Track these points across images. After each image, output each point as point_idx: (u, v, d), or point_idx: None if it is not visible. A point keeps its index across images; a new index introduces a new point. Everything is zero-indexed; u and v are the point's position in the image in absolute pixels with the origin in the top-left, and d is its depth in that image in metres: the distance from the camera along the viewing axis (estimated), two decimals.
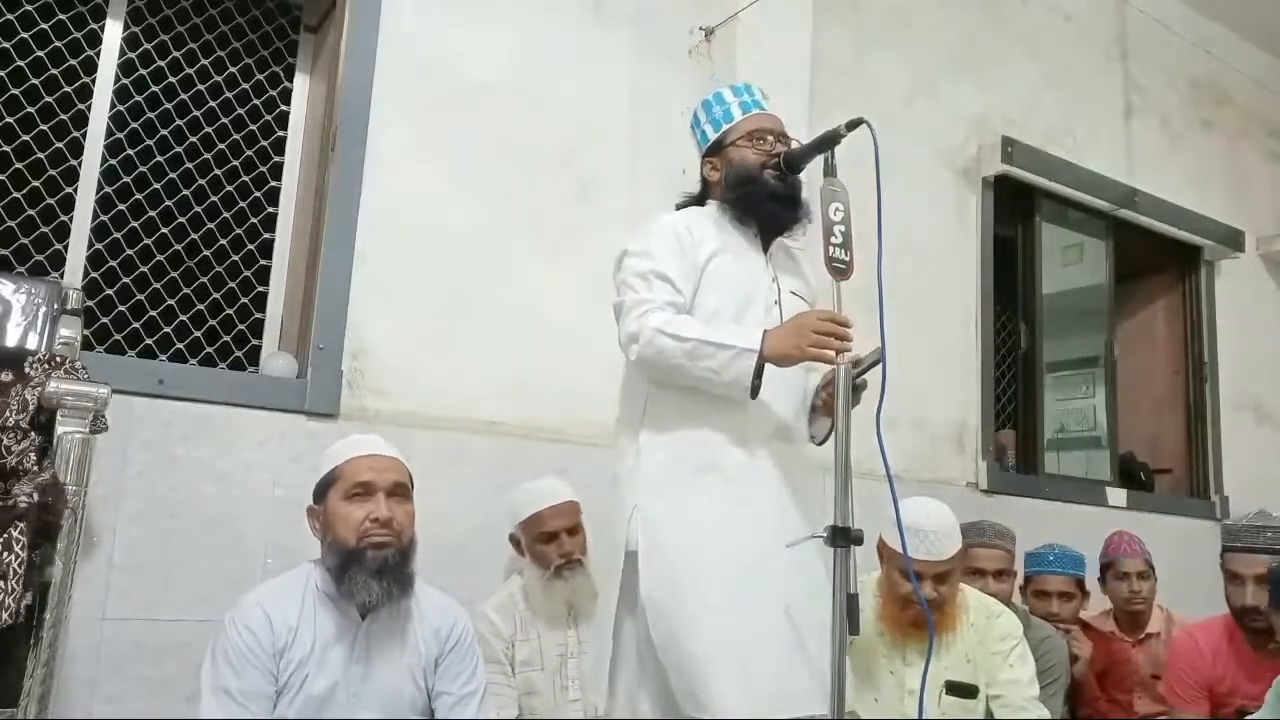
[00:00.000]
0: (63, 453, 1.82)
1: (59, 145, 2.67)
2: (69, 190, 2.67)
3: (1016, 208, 4.27)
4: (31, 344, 2.11)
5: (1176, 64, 4.93)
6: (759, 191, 2.10)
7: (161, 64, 2.82)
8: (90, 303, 2.49)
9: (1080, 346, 4.46)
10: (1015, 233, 4.32)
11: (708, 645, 1.87)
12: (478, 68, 2.94)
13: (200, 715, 1.83)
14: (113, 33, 2.77)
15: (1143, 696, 3.05)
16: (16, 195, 2.62)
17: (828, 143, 1.97)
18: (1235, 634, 2.62)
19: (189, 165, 2.83)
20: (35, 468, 1.82)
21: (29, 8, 2.67)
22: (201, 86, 2.87)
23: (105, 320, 2.68)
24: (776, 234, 2.16)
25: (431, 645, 2.00)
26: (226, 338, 2.83)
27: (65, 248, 2.66)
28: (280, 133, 2.95)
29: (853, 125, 1.92)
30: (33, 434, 1.85)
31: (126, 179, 2.75)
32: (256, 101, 2.93)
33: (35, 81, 2.66)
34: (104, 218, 2.71)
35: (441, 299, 2.80)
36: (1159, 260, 4.88)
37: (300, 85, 3.01)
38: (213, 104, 2.88)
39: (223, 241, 2.85)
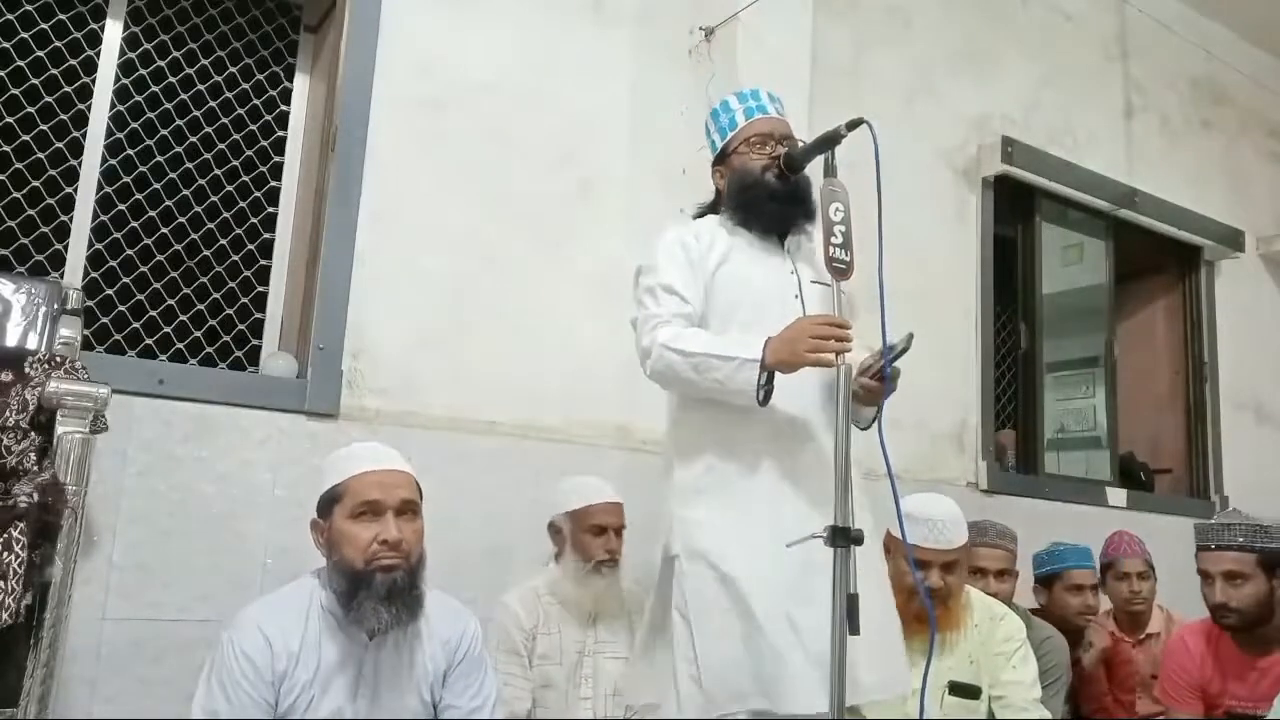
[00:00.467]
0: (63, 453, 1.82)
1: (59, 145, 2.67)
2: (69, 190, 2.67)
3: (1016, 208, 4.26)
4: (31, 344, 2.11)
5: (1176, 64, 4.93)
6: (760, 194, 2.11)
7: (161, 64, 2.82)
8: (90, 303, 2.49)
9: (1080, 346, 4.46)
10: (1015, 233, 4.32)
11: (739, 647, 1.92)
12: (478, 68, 2.94)
13: None
14: (113, 33, 2.77)
15: (1143, 697, 3.06)
16: (16, 195, 2.62)
17: (828, 143, 1.97)
18: (1219, 635, 2.63)
19: (189, 165, 2.83)
20: (35, 468, 1.82)
21: (29, 8, 2.67)
22: (201, 86, 2.87)
23: (105, 320, 2.68)
24: (787, 230, 2.17)
25: (440, 659, 1.95)
26: (226, 338, 2.83)
27: (65, 248, 2.66)
28: (280, 133, 2.95)
29: (853, 125, 1.93)
30: (33, 434, 1.85)
31: (126, 179, 2.75)
32: (256, 101, 2.93)
33: (35, 81, 2.66)
34: (104, 218, 2.71)
35: (441, 299, 2.80)
36: (1159, 260, 4.88)
37: (300, 85, 3.01)
38: (213, 104, 2.88)
39: (223, 241, 2.85)
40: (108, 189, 2.72)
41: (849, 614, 1.72)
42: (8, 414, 1.83)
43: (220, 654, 1.80)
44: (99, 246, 2.70)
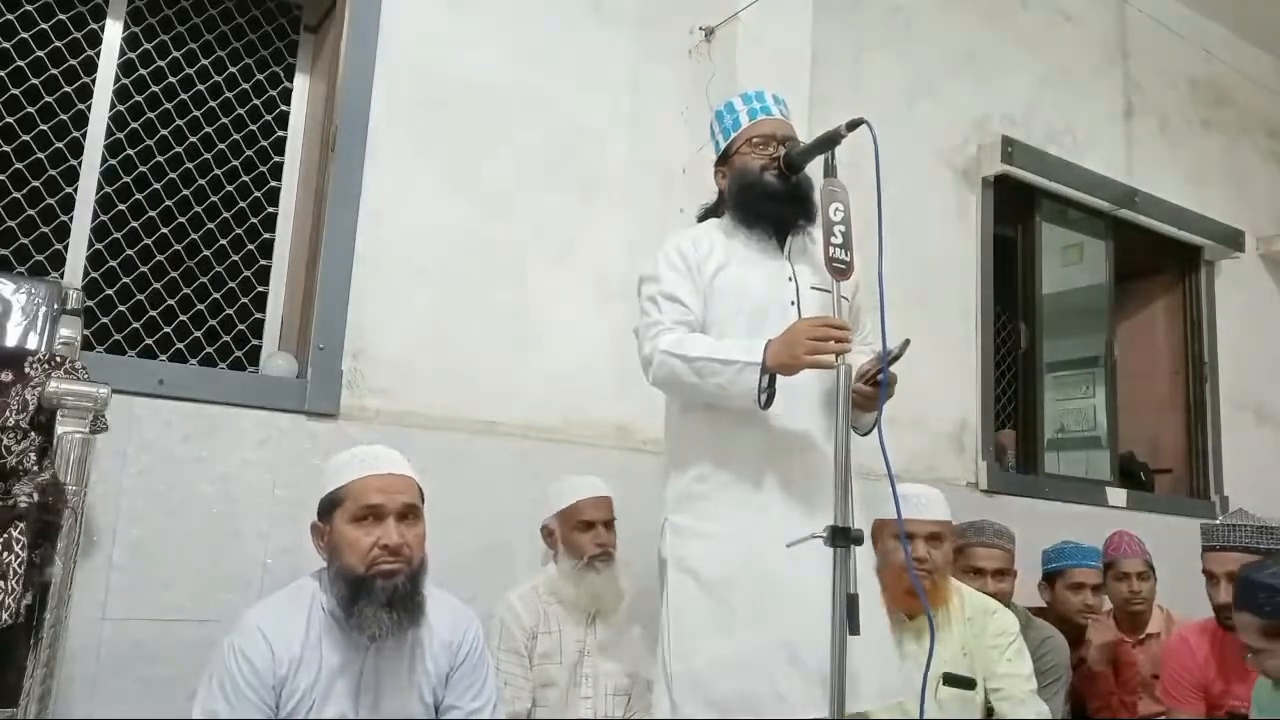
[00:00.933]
0: (63, 453, 1.82)
1: (59, 145, 2.67)
2: (69, 190, 2.67)
3: (1016, 208, 4.26)
4: (31, 344, 2.11)
5: (1176, 64, 4.93)
6: (759, 194, 2.11)
7: (161, 64, 2.81)
8: (90, 303, 2.49)
9: (1080, 346, 4.46)
10: (1015, 233, 4.32)
11: (723, 652, 1.95)
12: (478, 68, 2.94)
13: None
14: (113, 33, 2.77)
15: (1143, 697, 3.05)
16: (16, 195, 2.62)
17: (828, 143, 1.97)
18: (1222, 635, 2.62)
19: (189, 165, 2.83)
20: (35, 468, 1.82)
21: (29, 8, 2.67)
22: (201, 86, 2.87)
23: (105, 320, 2.68)
24: (788, 232, 2.17)
25: (441, 660, 1.94)
26: (226, 338, 2.83)
27: (65, 248, 2.66)
28: (280, 133, 2.95)
29: (853, 125, 1.93)
30: (33, 434, 1.85)
31: (126, 179, 2.75)
32: (256, 101, 2.93)
33: (35, 81, 2.66)
34: (104, 218, 2.71)
35: (441, 299, 2.80)
36: (1159, 260, 4.88)
37: (300, 85, 3.00)
38: (213, 104, 2.88)
39: (223, 241, 2.85)
40: (108, 189, 2.72)
41: (849, 614, 1.72)
42: (8, 414, 1.83)
43: (221, 657, 1.80)
44: (99, 246, 2.70)
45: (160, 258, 2.77)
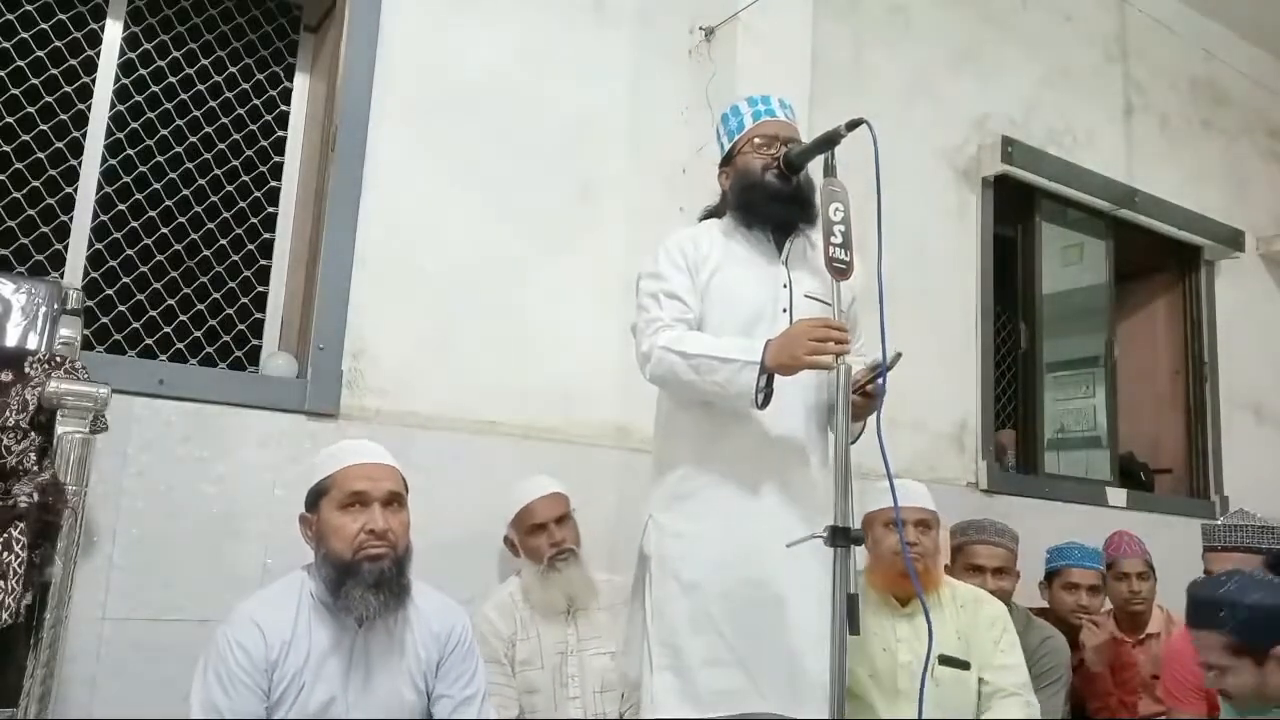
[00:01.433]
0: (63, 453, 1.82)
1: (59, 145, 2.67)
2: (69, 190, 2.67)
3: (1016, 207, 4.26)
4: (31, 344, 2.11)
5: (1176, 64, 4.93)
6: (760, 195, 2.12)
7: (161, 64, 2.81)
8: (90, 303, 2.49)
9: (1080, 346, 4.46)
10: (1015, 233, 4.32)
11: (703, 652, 1.98)
12: (478, 68, 2.94)
13: None
14: (113, 33, 2.77)
15: (1144, 697, 3.05)
16: (16, 195, 2.62)
17: (828, 143, 1.98)
18: None
19: (189, 165, 2.83)
20: (35, 468, 1.82)
21: (29, 8, 2.67)
22: (201, 86, 2.87)
23: (105, 320, 2.68)
24: (787, 235, 2.17)
25: (431, 649, 1.98)
26: (226, 338, 2.83)
27: (65, 248, 2.66)
28: (280, 133, 2.95)
29: (853, 125, 1.93)
30: (33, 434, 1.85)
31: (126, 179, 2.75)
32: (256, 101, 2.93)
33: (35, 81, 2.66)
34: (104, 218, 2.71)
35: (441, 299, 2.80)
36: (1159, 260, 4.88)
37: (300, 85, 3.00)
38: (213, 104, 2.88)
39: (223, 241, 2.85)
40: (108, 189, 2.72)
41: (849, 614, 1.73)
42: (8, 414, 1.83)
43: (215, 647, 1.83)
44: (99, 246, 2.70)
45: (160, 258, 2.77)
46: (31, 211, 2.63)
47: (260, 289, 2.88)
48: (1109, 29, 4.68)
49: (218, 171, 2.86)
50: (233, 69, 2.91)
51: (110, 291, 2.70)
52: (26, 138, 2.63)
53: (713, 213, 2.29)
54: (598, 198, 3.10)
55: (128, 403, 2.31)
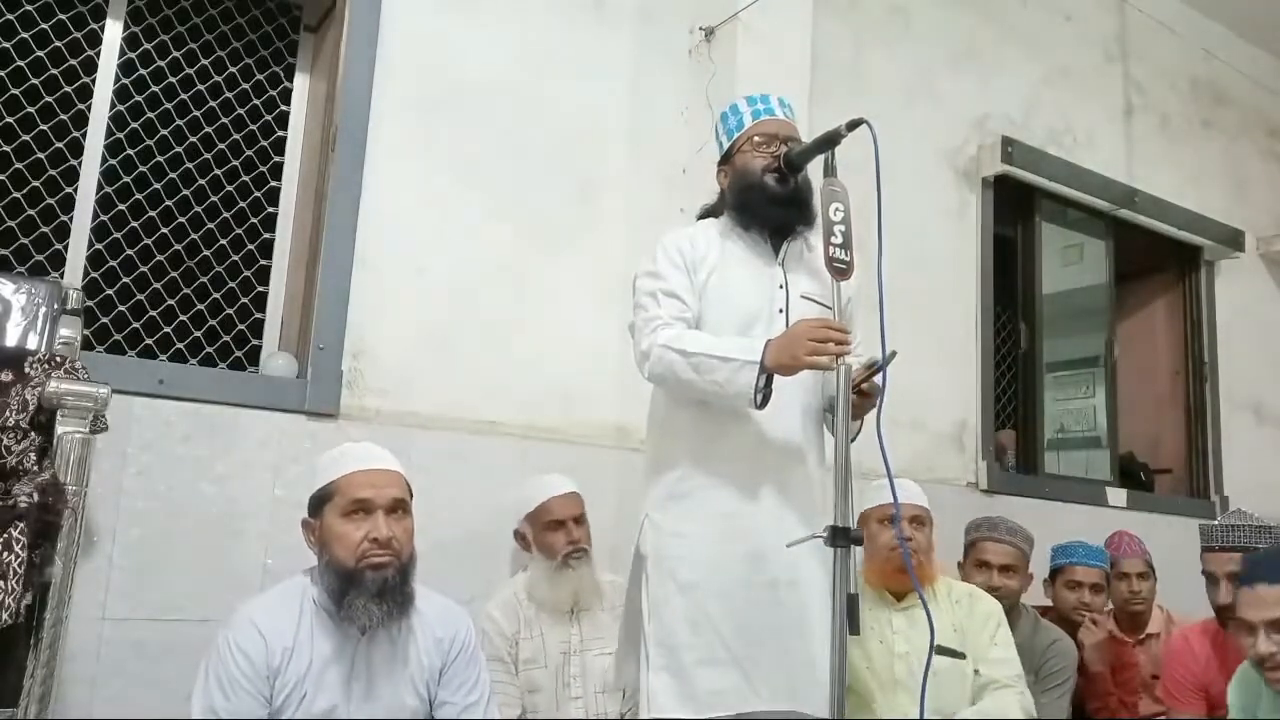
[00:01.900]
0: (63, 453, 1.82)
1: (59, 145, 2.67)
2: (69, 190, 2.67)
3: (1016, 208, 4.27)
4: (31, 344, 2.11)
5: (1176, 64, 4.93)
6: (759, 196, 2.11)
7: (161, 64, 2.81)
8: (90, 303, 2.49)
9: (1080, 346, 4.46)
10: (1015, 233, 4.32)
11: (700, 652, 1.98)
12: (478, 68, 2.94)
13: None
14: (113, 33, 2.77)
15: (1144, 697, 3.05)
16: (16, 195, 2.62)
17: (828, 143, 1.97)
18: (1224, 636, 2.62)
19: (189, 165, 2.83)
20: (35, 468, 1.82)
21: (29, 8, 2.67)
22: (201, 86, 2.87)
23: (105, 320, 2.68)
24: (785, 237, 2.17)
25: (434, 655, 1.96)
26: (226, 338, 2.83)
27: (65, 248, 2.66)
28: (280, 133, 2.95)
29: (853, 125, 1.93)
30: (33, 434, 1.85)
31: (126, 179, 2.75)
32: (256, 101, 2.93)
33: (35, 81, 2.66)
34: (104, 218, 2.71)
35: (441, 299, 2.80)
36: (1159, 260, 4.88)
37: (300, 85, 3.00)
38: (213, 104, 2.88)
39: (223, 241, 2.85)
40: (108, 189, 2.72)
41: (849, 614, 1.73)
42: (8, 414, 1.83)
43: (216, 652, 1.82)
44: (99, 246, 2.70)
45: (160, 258, 2.77)
46: (31, 211, 2.63)
47: (260, 289, 2.88)
48: (1109, 29, 4.68)
49: (218, 171, 2.86)
50: (233, 69, 2.91)
51: (110, 291, 2.70)
52: (26, 138, 2.63)
53: (710, 211, 2.28)
54: (597, 197, 3.10)
55: (128, 403, 2.31)
